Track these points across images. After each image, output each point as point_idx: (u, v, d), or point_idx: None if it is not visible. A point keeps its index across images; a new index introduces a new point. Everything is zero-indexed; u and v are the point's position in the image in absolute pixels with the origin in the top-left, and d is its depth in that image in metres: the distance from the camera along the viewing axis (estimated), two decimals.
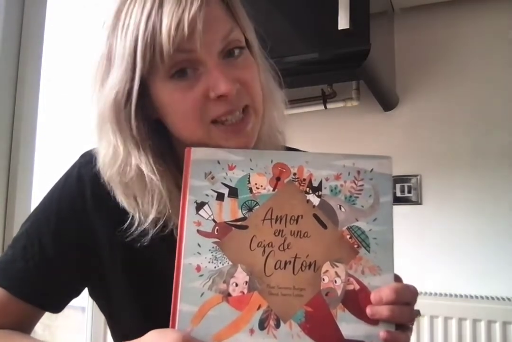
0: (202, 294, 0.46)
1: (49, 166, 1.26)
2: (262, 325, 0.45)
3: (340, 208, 0.48)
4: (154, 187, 0.53)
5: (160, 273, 0.56)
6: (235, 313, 0.45)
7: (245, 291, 0.46)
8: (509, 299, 1.52)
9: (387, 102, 1.67)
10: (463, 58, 1.69)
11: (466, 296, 1.57)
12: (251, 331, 0.45)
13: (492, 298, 1.54)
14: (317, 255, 0.47)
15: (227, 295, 0.46)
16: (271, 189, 0.49)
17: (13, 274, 0.57)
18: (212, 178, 0.49)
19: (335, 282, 0.46)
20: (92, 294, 0.64)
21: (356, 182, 0.49)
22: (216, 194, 0.49)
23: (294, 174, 0.49)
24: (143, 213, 0.54)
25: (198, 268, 0.47)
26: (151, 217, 0.54)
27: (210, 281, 0.46)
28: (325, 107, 1.70)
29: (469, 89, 1.67)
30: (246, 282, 0.46)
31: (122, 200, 0.55)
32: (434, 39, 1.71)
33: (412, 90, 1.73)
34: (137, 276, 0.59)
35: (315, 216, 0.48)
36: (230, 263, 0.47)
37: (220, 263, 0.47)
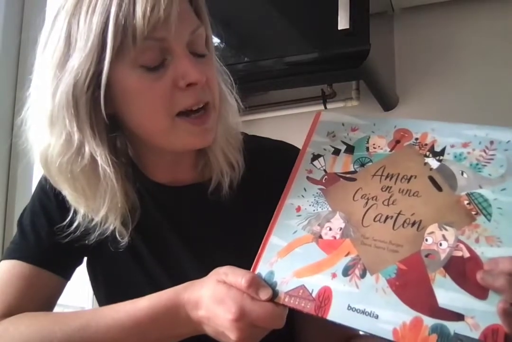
0: (295, 232, 0.46)
1: None
2: (346, 272, 0.42)
3: (462, 174, 0.44)
4: (107, 180, 0.49)
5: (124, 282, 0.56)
6: (321, 254, 0.44)
7: (338, 236, 0.44)
8: None
9: (387, 102, 1.53)
10: (463, 58, 1.55)
11: None
12: (333, 275, 0.42)
13: None
14: (425, 215, 0.43)
15: (318, 237, 0.45)
16: (388, 149, 0.48)
17: (27, 247, 0.58)
18: (334, 136, 0.52)
19: (440, 245, 0.41)
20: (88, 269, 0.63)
21: (487, 151, 0.44)
22: (333, 149, 0.51)
23: (416, 139, 0.48)
24: (92, 209, 0.52)
25: (298, 209, 0.48)
26: (102, 213, 0.51)
27: (306, 222, 0.47)
28: (325, 107, 1.61)
29: (469, 89, 1.52)
30: (341, 229, 0.45)
31: (68, 194, 0.52)
32: (434, 39, 1.59)
33: (412, 90, 1.60)
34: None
35: (430, 178, 0.45)
36: (330, 209, 0.47)
37: (320, 207, 0.47)
